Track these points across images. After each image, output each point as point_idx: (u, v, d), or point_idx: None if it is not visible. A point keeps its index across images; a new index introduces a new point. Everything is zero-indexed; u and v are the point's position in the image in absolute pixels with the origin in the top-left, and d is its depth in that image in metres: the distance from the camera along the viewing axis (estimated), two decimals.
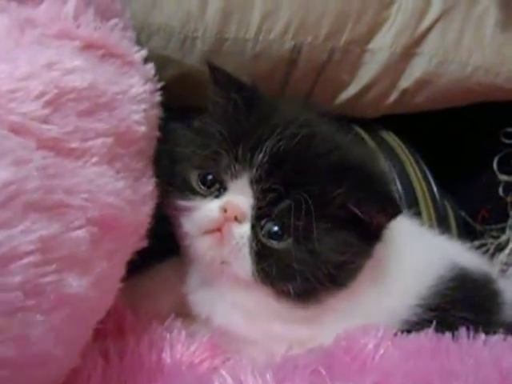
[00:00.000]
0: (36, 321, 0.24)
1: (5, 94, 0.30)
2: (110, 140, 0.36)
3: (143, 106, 0.41)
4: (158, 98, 0.47)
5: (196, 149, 0.49)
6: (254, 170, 0.45)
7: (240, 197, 0.46)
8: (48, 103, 0.31)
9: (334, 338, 0.46)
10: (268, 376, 0.30)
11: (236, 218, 0.45)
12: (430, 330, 0.49)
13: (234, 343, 0.50)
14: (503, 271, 0.92)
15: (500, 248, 0.96)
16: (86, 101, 0.34)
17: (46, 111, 0.31)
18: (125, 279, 0.40)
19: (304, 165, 0.45)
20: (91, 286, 0.29)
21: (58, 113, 0.32)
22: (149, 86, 0.44)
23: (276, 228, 0.45)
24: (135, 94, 0.41)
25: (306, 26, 0.76)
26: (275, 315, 0.48)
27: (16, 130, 0.29)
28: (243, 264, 0.46)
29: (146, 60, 0.47)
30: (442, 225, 0.91)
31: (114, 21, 0.42)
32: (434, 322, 0.50)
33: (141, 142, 0.41)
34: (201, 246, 0.47)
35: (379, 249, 0.50)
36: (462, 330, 0.49)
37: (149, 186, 0.42)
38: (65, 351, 0.27)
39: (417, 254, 0.56)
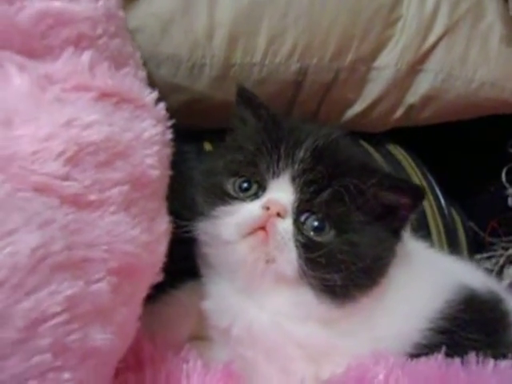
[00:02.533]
0: (65, 378, 0.26)
1: (28, 156, 0.31)
2: (125, 187, 0.37)
3: (156, 148, 0.43)
4: (169, 136, 0.49)
5: (231, 157, 0.53)
6: (297, 166, 0.49)
7: (281, 194, 0.49)
8: (68, 160, 0.33)
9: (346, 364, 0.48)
10: None
11: (278, 214, 0.48)
12: (440, 356, 0.50)
13: (250, 359, 0.51)
14: None
15: (510, 260, 0.96)
16: (103, 152, 0.36)
17: (66, 168, 0.33)
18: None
19: (339, 160, 0.50)
20: (113, 334, 0.31)
21: (77, 168, 0.34)
22: (160, 127, 0.46)
23: (317, 222, 0.48)
24: (148, 137, 0.43)
25: (312, 48, 0.77)
26: (309, 316, 0.50)
27: (39, 189, 0.31)
28: (289, 258, 0.47)
29: (157, 100, 0.48)
30: (451, 237, 0.91)
31: (126, 68, 0.44)
32: (444, 348, 0.51)
33: (155, 184, 0.43)
34: (244, 249, 0.48)
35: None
36: (471, 355, 0.50)
37: (163, 224, 0.44)
38: None
39: (426, 277, 0.57)
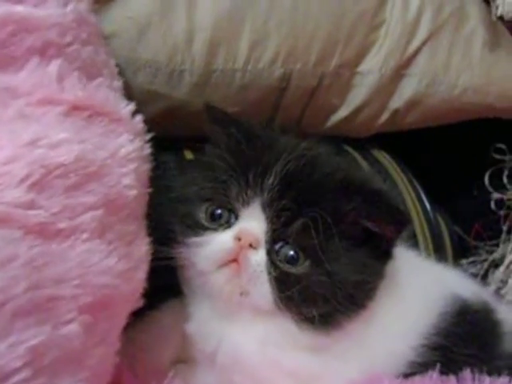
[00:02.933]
0: None
1: None
2: (99, 212, 0.34)
3: (133, 166, 0.40)
4: (147, 151, 0.45)
5: (202, 183, 0.50)
6: (266, 194, 0.46)
7: (252, 223, 0.46)
8: (33, 186, 0.29)
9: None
10: None
11: (251, 245, 0.45)
12: (435, 374, 0.48)
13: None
14: (499, 289, 0.92)
15: (495, 264, 0.96)
16: (74, 175, 0.33)
17: (31, 195, 0.29)
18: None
19: (313, 184, 0.47)
20: (86, 381, 0.28)
21: (43, 194, 0.30)
22: (138, 142, 0.43)
23: (291, 252, 0.46)
24: (125, 154, 0.39)
25: (295, 53, 0.75)
26: (295, 344, 0.48)
27: (0, 220, 0.27)
28: (263, 292, 0.45)
29: (134, 113, 0.45)
30: (437, 243, 0.91)
31: (99, 79, 0.40)
32: (438, 365, 0.49)
33: (132, 205, 0.39)
34: (218, 281, 0.46)
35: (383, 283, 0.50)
36: (467, 372, 0.48)
37: (142, 247, 0.41)
38: None
39: (417, 291, 0.56)
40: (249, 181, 0.46)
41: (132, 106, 0.44)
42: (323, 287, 0.45)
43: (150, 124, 0.53)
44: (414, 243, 0.83)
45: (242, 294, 0.46)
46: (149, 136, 0.46)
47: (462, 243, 1.00)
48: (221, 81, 0.72)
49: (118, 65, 0.61)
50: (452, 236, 0.98)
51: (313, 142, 0.53)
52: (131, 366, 0.49)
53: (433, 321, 0.53)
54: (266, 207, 0.46)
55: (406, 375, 0.50)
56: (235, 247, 0.45)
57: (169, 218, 0.52)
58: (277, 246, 0.46)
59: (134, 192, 0.39)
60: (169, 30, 0.67)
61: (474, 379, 0.47)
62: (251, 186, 0.46)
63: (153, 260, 0.44)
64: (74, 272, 0.30)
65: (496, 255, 0.96)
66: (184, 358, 0.56)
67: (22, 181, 0.29)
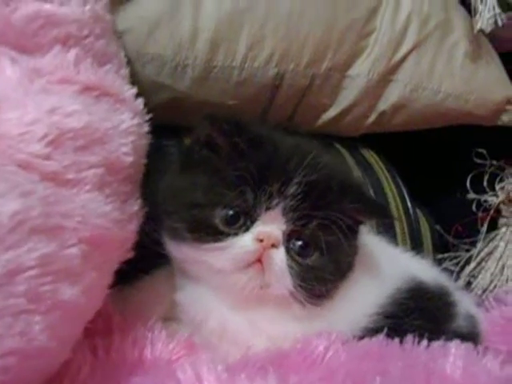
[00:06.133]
0: (35, 320, 0.31)
1: (15, 137, 0.37)
2: (100, 170, 0.43)
3: (131, 138, 0.48)
4: (145, 128, 0.54)
5: (210, 188, 0.52)
6: (288, 201, 0.51)
7: (271, 225, 0.51)
8: (50, 143, 0.38)
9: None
10: (219, 368, 0.37)
11: (273, 245, 0.51)
12: (381, 336, 0.55)
13: (213, 344, 0.54)
14: (469, 283, 0.99)
15: (470, 261, 1.02)
16: (82, 138, 0.41)
17: (48, 149, 0.38)
18: (115, 288, 0.46)
19: (325, 189, 0.53)
20: (81, 293, 0.36)
21: (58, 150, 0.39)
22: (137, 120, 0.51)
23: (304, 248, 0.52)
24: (125, 128, 0.48)
25: (289, 55, 0.83)
26: (289, 316, 0.54)
27: (23, 166, 0.36)
28: (285, 284, 0.51)
29: (137, 96, 0.54)
30: (415, 238, 0.97)
31: (108, 66, 0.49)
32: (386, 329, 0.56)
33: (128, 170, 0.48)
34: (240, 280, 0.51)
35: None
36: (409, 337, 0.55)
37: (135, 206, 0.49)
38: (58, 345, 0.34)
39: (378, 267, 0.63)
40: (273, 188, 0.50)
41: (134, 90, 0.53)
42: (330, 272, 0.53)
43: (156, 113, 0.60)
44: (392, 236, 0.90)
45: (262, 287, 0.51)
46: (148, 117, 0.55)
47: (443, 241, 1.07)
48: (220, 76, 0.80)
49: (129, 57, 0.70)
50: (433, 234, 1.04)
51: (314, 146, 0.59)
52: (121, 314, 0.57)
53: (389, 293, 0.60)
54: (287, 212, 0.50)
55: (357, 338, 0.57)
56: (258, 248, 0.50)
57: (166, 210, 0.53)
58: (292, 243, 0.52)
59: (130, 159, 0.47)
60: (176, 29, 0.76)
61: (413, 342, 0.54)
62: (275, 192, 0.50)
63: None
64: (77, 211, 0.38)
65: (473, 252, 1.03)
66: (168, 319, 0.62)
67: (42, 138, 0.38)
